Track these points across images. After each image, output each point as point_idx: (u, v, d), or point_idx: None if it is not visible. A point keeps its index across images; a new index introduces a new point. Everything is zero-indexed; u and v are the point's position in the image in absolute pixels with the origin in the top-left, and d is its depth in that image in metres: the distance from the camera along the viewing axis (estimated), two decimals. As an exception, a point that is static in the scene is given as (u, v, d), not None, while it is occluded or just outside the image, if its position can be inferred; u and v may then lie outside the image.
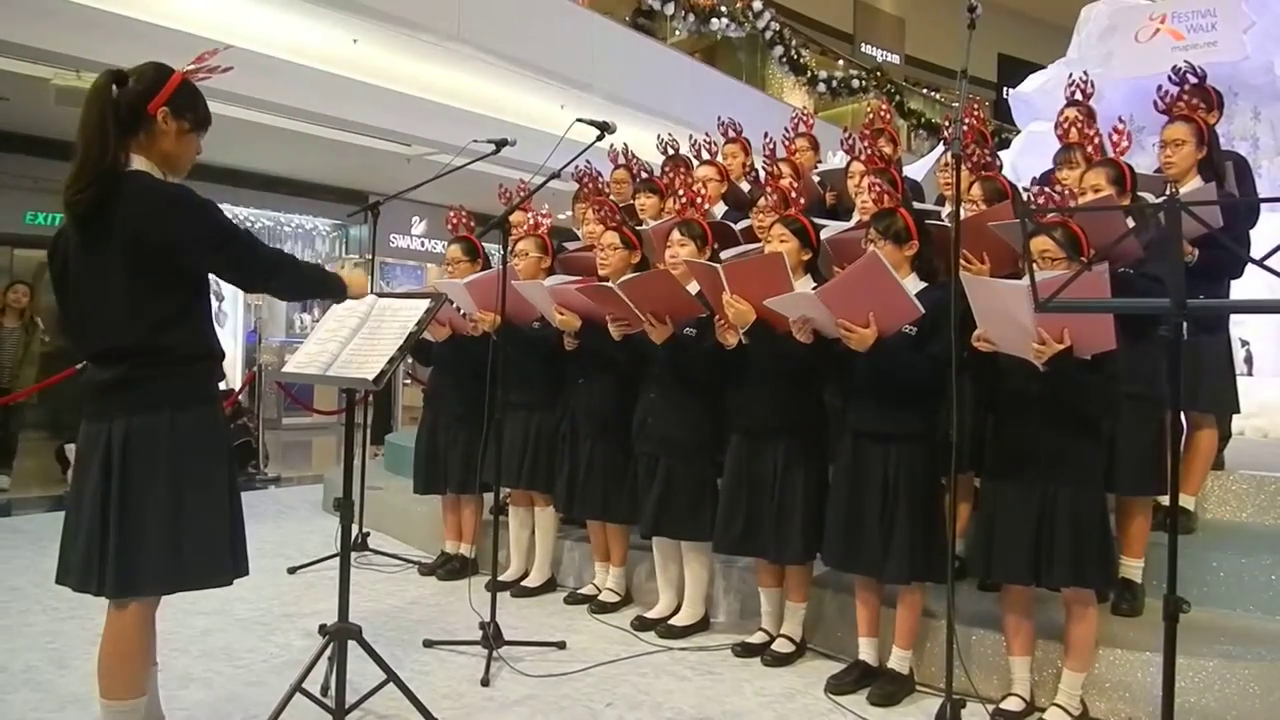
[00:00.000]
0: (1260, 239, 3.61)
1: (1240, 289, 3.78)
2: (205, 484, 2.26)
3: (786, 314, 3.13)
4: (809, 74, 16.00)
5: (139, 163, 2.25)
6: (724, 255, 3.80)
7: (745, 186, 5.18)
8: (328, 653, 2.86)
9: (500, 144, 3.91)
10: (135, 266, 2.17)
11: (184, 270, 2.24)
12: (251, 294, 2.62)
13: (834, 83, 16.42)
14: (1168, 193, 3.50)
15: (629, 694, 3.19)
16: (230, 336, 12.04)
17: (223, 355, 2.40)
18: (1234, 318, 4.61)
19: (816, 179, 5.01)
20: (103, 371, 2.23)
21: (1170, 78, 3.77)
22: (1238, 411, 3.89)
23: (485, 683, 3.22)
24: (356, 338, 2.85)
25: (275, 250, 2.43)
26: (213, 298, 2.38)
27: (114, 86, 2.22)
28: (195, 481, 2.24)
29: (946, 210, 3.81)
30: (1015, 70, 14.31)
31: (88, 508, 2.20)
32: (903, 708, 3.08)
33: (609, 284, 3.66)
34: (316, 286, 2.56)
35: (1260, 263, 1.80)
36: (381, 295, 3.03)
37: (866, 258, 2.96)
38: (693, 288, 3.60)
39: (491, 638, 3.39)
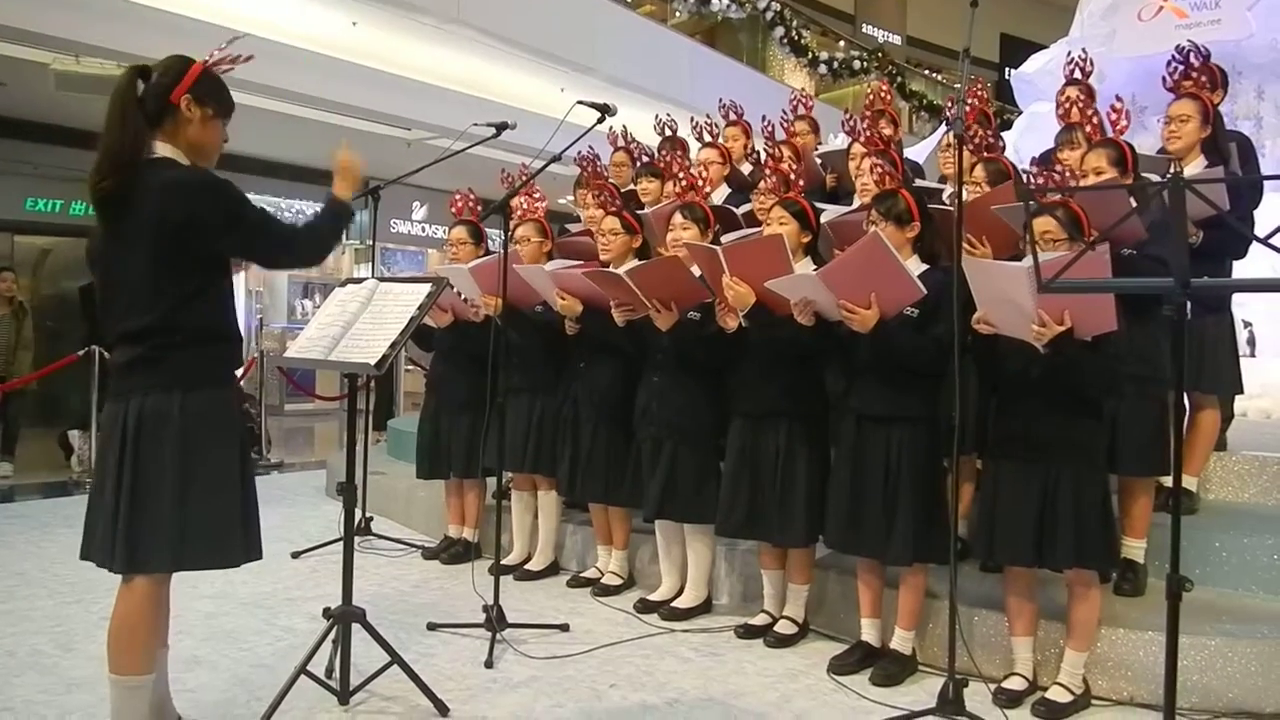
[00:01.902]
0: (1263, 218, 3.61)
1: (1243, 269, 3.77)
2: (214, 465, 2.29)
3: (788, 295, 3.12)
4: (810, 55, 15.90)
5: (165, 150, 2.30)
6: (724, 239, 3.79)
7: (746, 169, 5.16)
8: (332, 635, 2.87)
9: (500, 127, 3.89)
10: (155, 249, 2.23)
11: (200, 251, 2.27)
12: (274, 270, 2.59)
13: (835, 64, 16.32)
14: (1171, 172, 3.49)
15: (632, 675, 3.20)
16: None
17: (240, 339, 2.44)
18: (1237, 299, 4.60)
19: (818, 161, 4.99)
20: (123, 352, 2.29)
21: (1176, 56, 3.75)
22: (1241, 392, 3.88)
23: (489, 665, 3.24)
24: (358, 322, 2.85)
25: (288, 228, 2.45)
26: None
27: (139, 82, 2.29)
28: (203, 462, 2.27)
29: (949, 190, 3.79)
30: (1018, 50, 14.22)
31: (108, 486, 2.26)
32: (905, 687, 3.10)
33: (616, 271, 3.66)
34: (333, 237, 2.52)
35: (1265, 241, 1.79)
36: (383, 280, 3.03)
37: (868, 238, 2.95)
38: (694, 271, 3.59)
39: (495, 620, 3.41)
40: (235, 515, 2.33)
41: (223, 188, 2.28)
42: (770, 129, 5.36)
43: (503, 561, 3.98)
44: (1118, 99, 3.40)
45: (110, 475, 2.26)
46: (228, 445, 2.34)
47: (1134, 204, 2.87)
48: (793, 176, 3.56)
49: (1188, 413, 3.69)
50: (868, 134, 4.18)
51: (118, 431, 2.25)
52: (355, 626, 2.83)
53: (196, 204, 2.23)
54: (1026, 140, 7.08)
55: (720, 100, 5.38)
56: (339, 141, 2.74)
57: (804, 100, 5.45)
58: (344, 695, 2.83)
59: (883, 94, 5.00)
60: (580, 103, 3.59)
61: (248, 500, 2.38)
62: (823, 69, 16.15)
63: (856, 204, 4.04)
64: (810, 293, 3.08)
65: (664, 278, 3.56)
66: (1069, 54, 4.14)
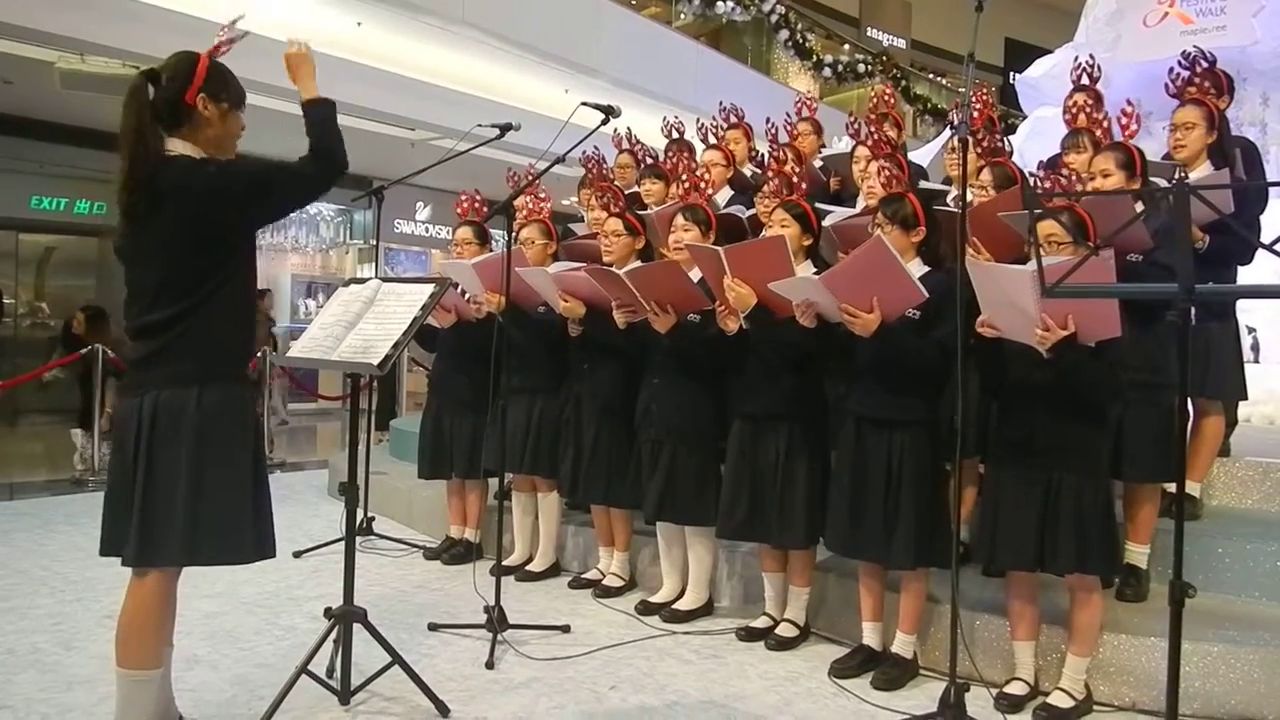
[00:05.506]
0: (1270, 225, 3.60)
1: (1248, 275, 3.76)
2: (227, 461, 2.30)
3: (791, 298, 3.12)
4: (814, 58, 15.91)
5: (180, 147, 2.31)
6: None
7: (749, 171, 5.16)
8: (333, 635, 2.87)
9: (504, 128, 3.89)
10: (175, 243, 2.25)
11: (232, 229, 2.30)
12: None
13: (839, 67, 16.33)
14: (1177, 177, 3.49)
15: (633, 677, 3.20)
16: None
17: (253, 334, 2.46)
18: (1241, 304, 4.59)
19: (819, 164, 4.99)
20: (141, 347, 2.30)
21: (1181, 62, 3.74)
22: (1244, 398, 3.87)
23: (490, 665, 3.24)
24: (361, 323, 2.85)
25: (305, 168, 2.52)
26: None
27: (150, 86, 2.28)
28: (217, 458, 2.28)
29: (954, 191, 3.79)
30: (1023, 55, 14.23)
31: (125, 480, 2.27)
32: (906, 691, 3.09)
33: (615, 270, 3.66)
34: (339, 143, 2.63)
35: (1270, 247, 1.79)
36: (386, 280, 3.03)
37: (871, 242, 2.95)
38: (695, 275, 3.59)
39: (496, 621, 3.41)
40: (248, 511, 2.34)
41: (230, 170, 2.32)
42: (774, 131, 5.36)
43: (504, 562, 3.98)
44: (1129, 103, 3.40)
45: (127, 469, 2.27)
46: (243, 441, 2.35)
47: (1141, 208, 2.86)
48: (795, 179, 3.56)
49: (1191, 419, 3.68)
50: (874, 138, 4.17)
51: (133, 426, 2.26)
52: (356, 626, 2.83)
53: (212, 191, 2.25)
54: (1031, 145, 7.07)
55: (720, 103, 5.38)
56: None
57: (807, 103, 5.45)
58: (345, 695, 2.83)
59: (887, 97, 4.99)
60: (584, 104, 3.59)
61: (260, 497, 2.39)
62: (827, 72, 16.16)
63: (860, 207, 4.03)
64: (812, 295, 3.08)
65: (661, 281, 3.56)
66: (1075, 59, 4.13)
